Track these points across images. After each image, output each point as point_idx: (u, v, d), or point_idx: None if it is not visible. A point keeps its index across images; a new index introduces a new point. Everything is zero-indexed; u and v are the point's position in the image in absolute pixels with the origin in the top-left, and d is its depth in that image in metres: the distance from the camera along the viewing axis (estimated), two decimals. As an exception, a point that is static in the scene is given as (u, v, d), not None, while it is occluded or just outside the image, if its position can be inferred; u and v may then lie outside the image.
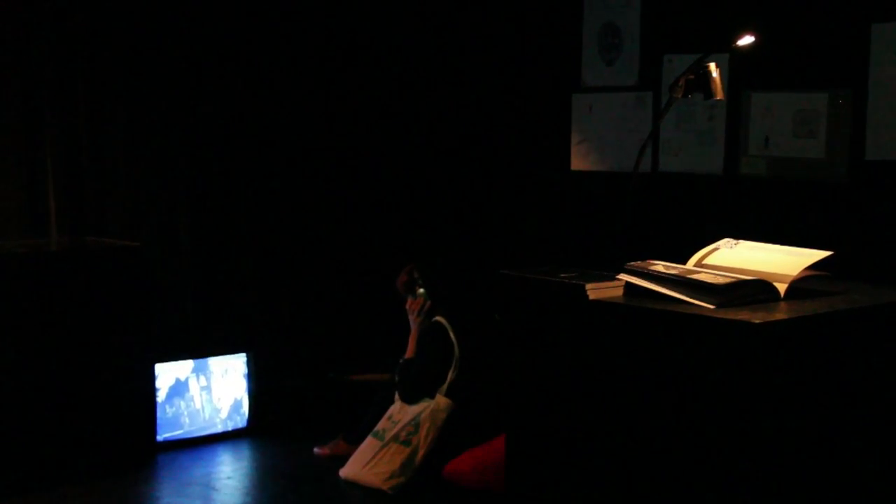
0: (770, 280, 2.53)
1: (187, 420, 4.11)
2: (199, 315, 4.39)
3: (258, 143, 4.51)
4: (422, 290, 3.84)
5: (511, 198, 4.38)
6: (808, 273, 2.59)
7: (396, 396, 3.76)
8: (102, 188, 4.12)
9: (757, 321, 2.22)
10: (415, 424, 3.65)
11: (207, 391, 4.17)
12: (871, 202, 3.29)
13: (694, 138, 3.77)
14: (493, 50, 4.42)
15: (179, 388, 4.09)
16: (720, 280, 2.46)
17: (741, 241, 2.79)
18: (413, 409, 3.69)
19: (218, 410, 4.21)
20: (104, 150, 4.12)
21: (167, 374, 4.04)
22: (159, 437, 3.99)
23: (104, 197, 4.13)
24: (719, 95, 3.00)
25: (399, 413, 3.72)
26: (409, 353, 3.86)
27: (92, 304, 3.69)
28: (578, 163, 4.15)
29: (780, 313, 2.35)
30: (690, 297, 2.42)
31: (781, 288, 2.52)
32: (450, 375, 3.69)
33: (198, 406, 4.13)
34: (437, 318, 3.78)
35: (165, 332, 4.19)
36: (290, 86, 4.57)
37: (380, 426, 3.73)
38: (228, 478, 3.79)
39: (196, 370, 4.14)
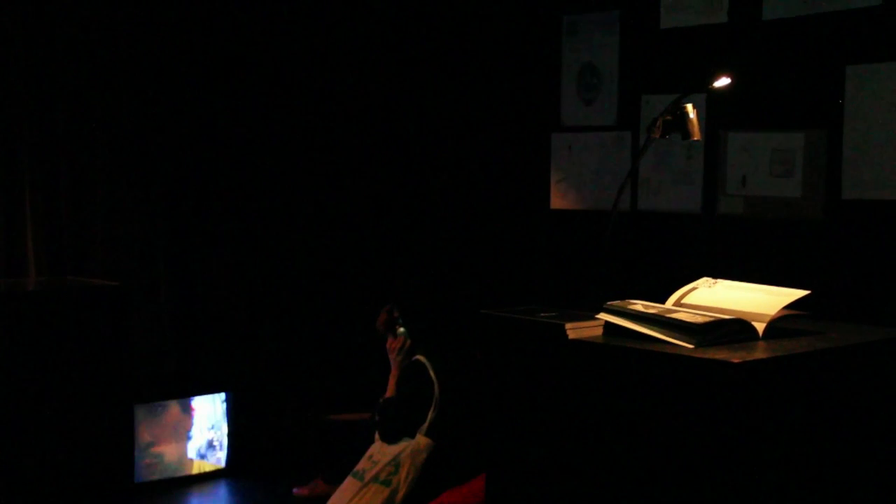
0: (748, 319, 2.54)
1: (165, 461, 4.07)
2: (178, 355, 4.37)
3: (237, 185, 4.52)
4: (402, 330, 3.83)
5: (491, 236, 4.39)
6: (787, 312, 2.60)
7: (376, 436, 3.74)
8: (81, 227, 4.11)
9: (736, 361, 2.23)
10: (395, 464, 3.62)
11: (186, 431, 4.14)
12: (847, 241, 3.31)
13: (672, 177, 3.80)
14: (472, 89, 4.44)
15: (157, 428, 4.05)
16: (699, 319, 2.47)
17: (719, 281, 2.81)
18: (393, 449, 3.66)
19: (196, 450, 4.17)
20: (83, 189, 4.11)
21: (145, 414, 4.01)
22: (137, 479, 3.95)
23: (83, 236, 4.12)
24: (696, 136, 3.03)
25: (379, 453, 3.69)
26: (389, 392, 3.84)
27: (70, 344, 3.67)
28: (558, 201, 4.17)
29: (759, 353, 2.36)
30: (669, 337, 2.43)
31: (760, 327, 2.53)
32: (430, 415, 3.67)
33: (176, 446, 4.10)
34: (418, 357, 3.77)
35: (144, 372, 4.16)
36: (268, 130, 4.58)
37: (359, 466, 3.70)
38: (207, 519, 3.76)
39: (174, 410, 4.11)
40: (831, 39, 3.34)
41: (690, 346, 2.37)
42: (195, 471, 4.14)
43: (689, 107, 3.02)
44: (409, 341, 3.83)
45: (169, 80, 4.31)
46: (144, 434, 4.01)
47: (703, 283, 2.82)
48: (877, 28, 3.24)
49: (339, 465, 3.81)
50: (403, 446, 3.64)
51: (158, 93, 4.29)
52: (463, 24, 4.46)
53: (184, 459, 4.12)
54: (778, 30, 3.47)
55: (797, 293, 2.63)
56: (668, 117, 3.01)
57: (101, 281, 3.96)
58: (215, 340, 4.48)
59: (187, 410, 4.15)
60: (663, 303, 2.77)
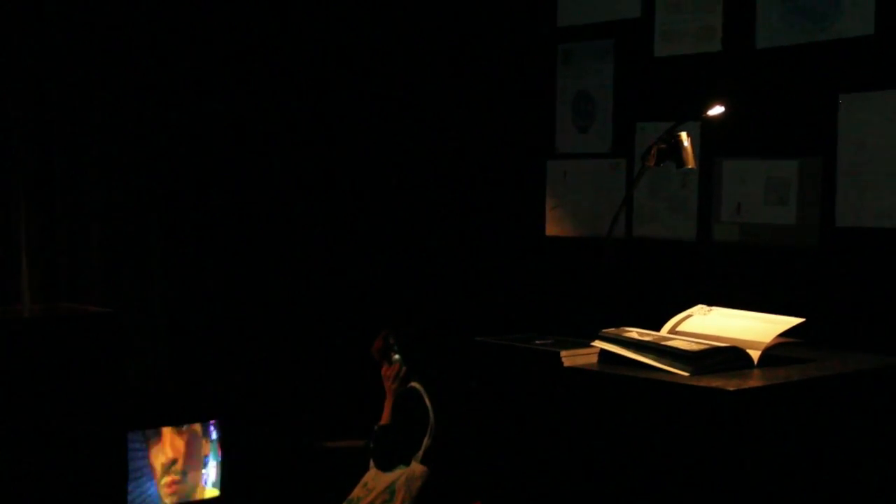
0: (743, 347, 2.55)
1: (158, 488, 4.05)
2: (172, 381, 4.36)
3: (233, 211, 4.52)
4: (397, 357, 3.83)
5: (486, 263, 4.40)
6: (781, 340, 2.61)
7: (371, 463, 3.73)
8: (76, 253, 4.11)
9: (731, 389, 2.23)
10: (390, 492, 3.61)
11: (180, 458, 4.12)
12: (841, 269, 3.32)
13: (667, 205, 3.81)
14: (467, 117, 4.46)
15: (152, 455, 4.04)
16: (694, 347, 2.48)
17: (714, 308, 2.82)
18: (388, 477, 3.65)
19: (189, 478, 4.16)
20: (78, 215, 4.11)
21: (139, 441, 4.00)
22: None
23: (78, 262, 4.11)
24: (691, 164, 3.05)
25: (374, 480, 3.68)
26: (384, 419, 3.83)
27: (64, 371, 3.65)
28: (553, 228, 4.18)
29: (754, 381, 2.36)
30: (665, 365, 2.44)
31: (755, 355, 2.54)
32: (425, 442, 3.66)
33: (170, 473, 4.08)
34: (413, 384, 3.76)
35: (138, 399, 4.15)
36: (262, 155, 4.59)
37: (354, 493, 3.69)
38: (200, 547, 3.73)
39: (168, 437, 4.10)
40: (825, 68, 3.36)
41: (686, 374, 2.38)
42: (188, 499, 4.12)
43: (684, 135, 3.04)
44: (404, 368, 3.83)
45: (163, 107, 4.32)
46: (138, 461, 3.99)
47: (698, 310, 2.83)
48: (870, 57, 3.26)
49: (334, 493, 3.79)
50: (398, 474, 3.63)
51: (153, 119, 4.30)
52: (458, 52, 4.48)
53: (177, 487, 4.10)
54: (771, 58, 3.49)
55: (792, 321, 2.64)
56: (663, 145, 3.03)
57: (96, 308, 3.95)
58: (210, 367, 4.47)
59: (181, 437, 4.13)
60: (658, 330, 2.78)
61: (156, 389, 4.30)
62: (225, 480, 4.23)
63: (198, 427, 4.20)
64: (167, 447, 4.10)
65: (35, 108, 3.99)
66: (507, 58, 4.32)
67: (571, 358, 2.58)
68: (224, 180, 4.49)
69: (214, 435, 4.24)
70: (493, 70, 4.36)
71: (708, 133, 3.60)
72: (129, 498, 3.93)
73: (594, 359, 2.60)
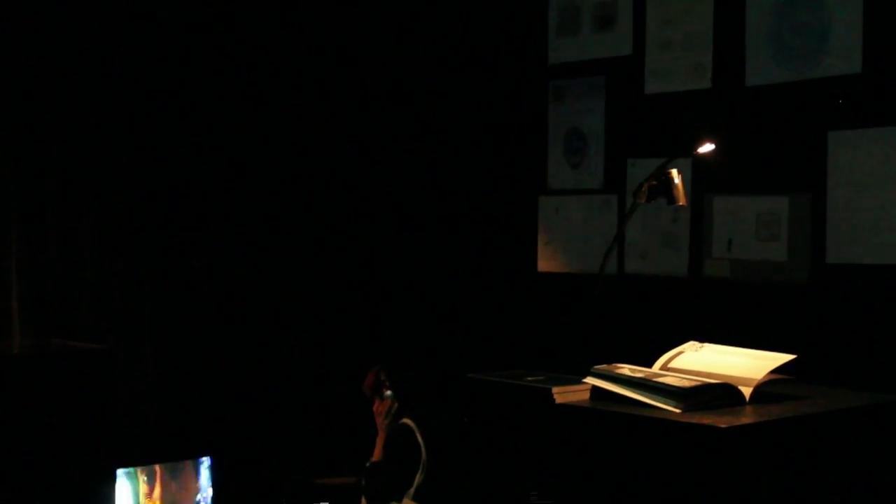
0: (735, 384, 2.55)
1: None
2: (163, 418, 4.34)
3: (223, 246, 4.52)
4: (389, 393, 3.82)
5: (478, 299, 4.40)
6: (773, 377, 2.61)
7: (363, 500, 3.71)
8: (67, 290, 4.10)
9: (723, 426, 2.23)
10: (382, 529, 3.59)
11: (170, 495, 4.10)
12: (832, 305, 3.33)
13: (659, 240, 3.82)
14: (459, 153, 4.48)
15: (142, 493, 4.01)
16: (685, 384, 2.48)
17: (706, 345, 2.82)
18: (380, 514, 3.63)
19: (181, 515, 4.13)
20: (69, 251, 4.11)
21: (128, 478, 3.97)
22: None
23: (69, 297, 4.11)
24: (682, 201, 3.06)
25: (366, 517, 3.66)
26: (376, 456, 3.82)
27: (54, 408, 3.63)
28: (545, 264, 4.19)
29: (746, 417, 2.36)
30: (656, 401, 2.44)
31: (746, 392, 2.54)
32: (417, 479, 3.65)
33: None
34: (405, 420, 3.75)
35: (129, 435, 4.12)
36: (253, 194, 4.60)
37: (346, 531, 3.67)
38: (190, 586, 3.70)
39: (158, 474, 4.07)
40: (813, 105, 3.39)
41: (677, 411, 2.38)
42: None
43: (674, 172, 3.06)
44: (396, 404, 3.82)
45: (155, 143, 4.33)
46: (128, 498, 3.97)
47: (690, 347, 2.83)
48: (858, 94, 3.29)
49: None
50: (390, 511, 3.61)
51: (145, 155, 4.31)
52: (450, 88, 4.51)
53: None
54: (761, 95, 3.52)
55: (783, 357, 2.64)
56: (654, 182, 3.04)
57: (87, 344, 3.94)
58: (201, 403, 4.45)
59: (172, 474, 4.11)
60: (650, 366, 2.78)
61: (146, 426, 4.28)
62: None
63: (189, 464, 4.18)
64: (158, 485, 4.08)
65: (26, 142, 3.99)
66: (498, 94, 4.35)
67: (563, 394, 2.58)
68: (216, 218, 4.50)
69: (206, 472, 4.21)
70: (486, 107, 4.39)
71: (699, 169, 3.62)
72: (119, 536, 3.90)
73: (586, 395, 2.60)
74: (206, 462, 4.21)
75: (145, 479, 4.04)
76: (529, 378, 2.70)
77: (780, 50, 3.47)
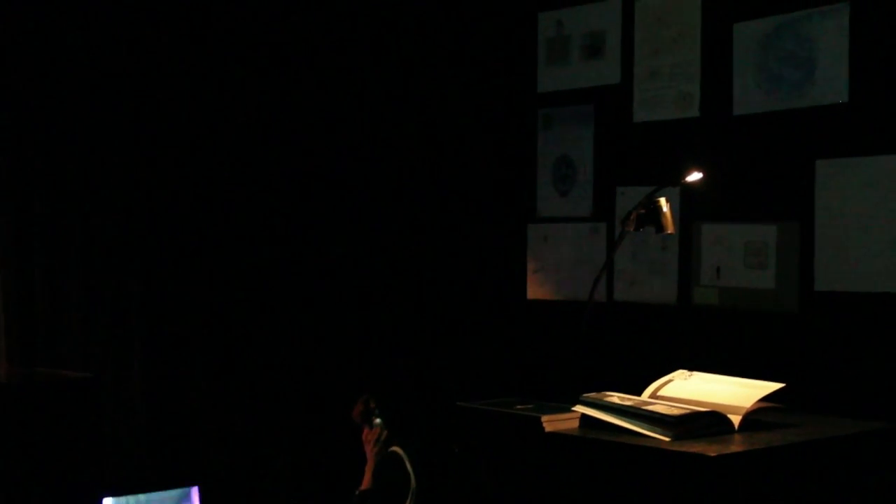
0: (724, 412, 2.56)
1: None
2: (151, 446, 4.31)
3: (211, 274, 4.51)
4: (378, 421, 3.81)
5: (467, 327, 4.40)
6: (762, 405, 2.62)
7: (352, 529, 3.70)
8: (55, 318, 4.08)
9: (712, 454, 2.24)
10: (370, 559, 3.57)
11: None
12: (821, 333, 3.34)
13: (647, 268, 3.83)
14: (448, 181, 4.49)
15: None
16: (675, 412, 2.48)
17: (695, 373, 2.83)
18: (368, 543, 3.61)
19: (168, 545, 4.10)
20: (57, 276, 4.10)
21: (116, 507, 3.95)
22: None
23: (56, 327, 4.09)
24: (670, 230, 3.08)
25: (354, 547, 3.64)
26: (365, 484, 3.80)
27: (40, 436, 3.61)
28: (534, 292, 4.19)
29: (735, 446, 2.37)
30: (646, 430, 2.44)
31: (735, 420, 2.55)
32: (406, 507, 3.63)
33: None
34: (394, 448, 3.73)
35: (116, 465, 4.10)
36: (241, 217, 4.58)
37: (334, 561, 3.64)
38: None
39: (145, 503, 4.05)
40: (801, 134, 3.42)
41: (667, 439, 2.38)
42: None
43: (663, 200, 3.08)
44: (385, 432, 3.80)
45: (141, 167, 4.33)
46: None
47: (679, 375, 2.84)
48: (845, 124, 3.32)
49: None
50: (379, 540, 3.59)
51: (135, 183, 4.31)
52: (438, 116, 4.52)
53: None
54: (748, 124, 3.55)
55: (772, 386, 2.65)
56: (642, 211, 3.06)
57: (74, 372, 3.92)
58: (189, 431, 4.43)
59: None
60: (639, 395, 2.78)
61: (133, 455, 4.25)
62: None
63: (177, 493, 4.15)
64: (145, 513, 4.05)
65: (12, 167, 3.99)
66: (488, 122, 4.37)
67: (553, 423, 2.58)
68: (203, 246, 4.49)
69: (195, 502, 4.18)
70: (475, 134, 4.40)
71: (687, 197, 3.64)
72: (105, 566, 3.87)
73: (575, 424, 2.60)
74: (193, 491, 4.18)
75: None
76: (519, 406, 2.70)
77: (768, 79, 3.50)
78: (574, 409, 2.62)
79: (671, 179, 3.27)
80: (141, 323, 4.32)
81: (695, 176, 3.19)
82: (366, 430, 3.86)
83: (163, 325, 4.39)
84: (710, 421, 2.50)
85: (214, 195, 4.54)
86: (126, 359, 4.27)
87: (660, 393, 2.77)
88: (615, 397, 2.63)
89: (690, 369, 2.86)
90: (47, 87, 4.09)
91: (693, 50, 3.70)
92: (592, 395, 2.64)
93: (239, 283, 4.60)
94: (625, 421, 2.49)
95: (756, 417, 2.60)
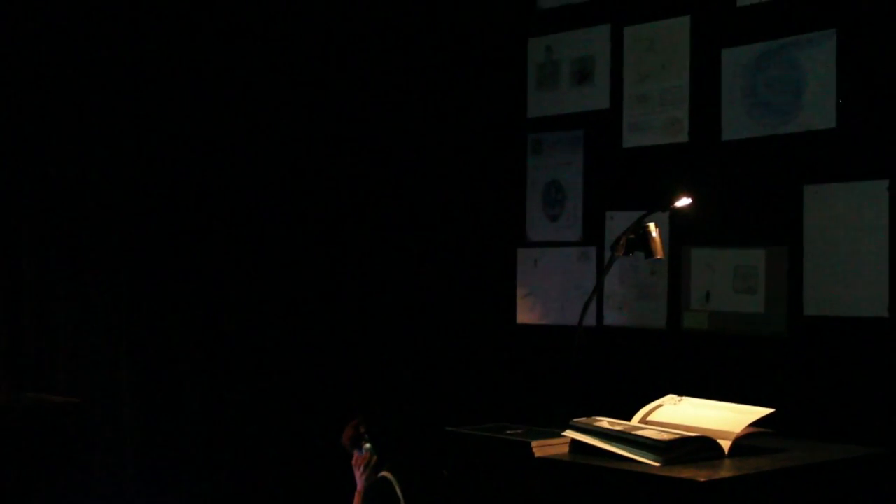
0: (714, 437, 2.55)
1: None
2: (139, 472, 4.29)
3: (198, 302, 4.50)
4: (368, 446, 3.80)
5: (457, 351, 4.40)
6: (752, 430, 2.62)
7: (341, 556, 3.68)
8: (43, 343, 4.07)
9: (702, 479, 2.23)
10: (360, 585, 3.55)
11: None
12: (810, 357, 3.35)
13: (637, 293, 3.84)
14: (439, 206, 4.50)
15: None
16: (665, 437, 2.48)
17: (685, 398, 2.83)
18: (358, 569, 3.60)
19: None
20: (45, 302, 4.09)
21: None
22: None
23: (45, 350, 4.07)
24: (659, 255, 3.09)
25: (343, 573, 3.62)
26: (355, 509, 3.79)
27: (29, 461, 3.59)
28: (524, 316, 4.19)
29: (725, 471, 2.37)
30: (635, 455, 2.44)
31: (725, 445, 2.55)
32: (396, 533, 3.62)
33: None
34: (384, 473, 3.73)
35: (104, 490, 4.07)
36: (230, 248, 4.58)
37: (323, 587, 3.62)
38: None
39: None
40: (789, 159, 3.44)
41: (657, 465, 2.38)
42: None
43: (652, 226, 3.09)
44: (375, 457, 3.79)
45: (129, 196, 4.33)
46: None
47: (669, 400, 2.84)
48: (833, 149, 3.34)
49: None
50: (369, 566, 3.58)
51: (123, 204, 4.30)
52: (430, 140, 4.54)
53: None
54: (737, 150, 3.57)
55: (761, 411, 2.65)
56: (632, 236, 3.07)
57: (62, 397, 3.90)
58: (178, 457, 4.40)
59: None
60: (629, 419, 2.78)
61: (123, 481, 4.23)
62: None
63: (164, 518, 4.13)
64: (132, 539, 4.03)
65: (1, 198, 3.99)
66: (478, 147, 4.38)
67: (542, 448, 2.58)
68: (189, 273, 4.48)
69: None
70: (465, 159, 4.41)
71: (676, 222, 3.65)
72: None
73: (565, 449, 2.59)
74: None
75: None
76: (509, 431, 2.70)
77: (756, 105, 3.52)
78: (564, 434, 2.62)
79: (660, 204, 3.28)
80: (129, 348, 4.31)
81: (684, 201, 3.20)
82: (356, 455, 3.85)
83: (151, 351, 4.37)
84: (699, 446, 2.50)
85: (201, 223, 4.53)
86: (114, 384, 4.26)
87: (650, 418, 2.77)
88: (605, 422, 2.63)
89: (680, 394, 2.86)
90: (34, 121, 4.09)
91: (682, 75, 3.73)
92: (582, 419, 2.63)
93: (228, 310, 4.59)
94: (615, 446, 2.49)
95: (746, 442, 2.59)
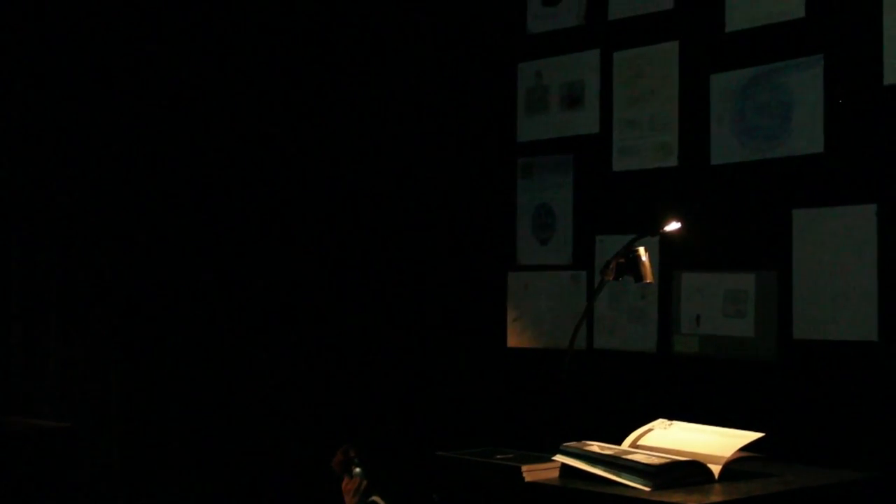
0: (704, 462, 2.55)
1: None
2: (128, 497, 4.26)
3: (187, 326, 4.49)
4: (358, 470, 3.79)
5: (448, 376, 4.39)
6: (742, 454, 2.62)
7: (331, 581, 3.66)
8: (32, 366, 4.06)
9: (692, 504, 2.23)
10: None
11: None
12: (800, 381, 3.35)
13: (627, 316, 3.84)
14: (429, 230, 4.50)
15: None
16: (655, 461, 2.48)
17: (675, 422, 2.83)
18: None
19: None
20: (35, 326, 4.08)
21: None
22: None
23: (33, 375, 4.06)
24: (649, 279, 3.09)
25: None
26: (345, 535, 3.77)
27: (17, 485, 3.57)
28: (515, 340, 4.19)
29: (715, 496, 2.36)
30: (626, 479, 2.43)
31: (716, 469, 2.55)
32: (386, 558, 3.60)
33: None
34: (374, 498, 3.72)
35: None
36: (219, 274, 4.58)
37: None
38: None
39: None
40: (777, 184, 3.45)
41: (647, 489, 2.37)
42: None
43: (642, 250, 3.09)
44: (365, 482, 3.78)
45: (116, 220, 4.32)
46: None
47: (659, 424, 2.84)
48: (821, 173, 3.35)
49: None
50: (358, 592, 3.56)
51: (111, 226, 4.30)
52: (420, 164, 4.54)
53: None
54: (726, 174, 3.58)
55: (751, 435, 2.65)
56: (622, 260, 3.07)
57: (50, 422, 3.88)
58: (166, 482, 4.39)
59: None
60: (620, 443, 2.78)
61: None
62: None
63: (153, 544, 4.10)
64: (121, 565, 4.00)
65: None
66: (468, 171, 4.39)
67: (532, 473, 2.57)
68: (179, 299, 4.47)
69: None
70: (456, 183, 4.42)
71: (666, 246, 3.66)
72: None
73: (555, 473, 2.59)
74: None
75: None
76: (499, 456, 2.69)
77: (744, 130, 3.54)
78: (554, 458, 2.61)
79: (650, 228, 3.29)
80: (119, 373, 4.29)
81: (673, 225, 3.21)
82: (346, 480, 3.84)
83: (140, 376, 4.36)
84: (690, 471, 2.50)
85: (187, 248, 4.53)
86: (103, 409, 4.24)
87: (640, 442, 2.77)
88: (595, 446, 2.63)
89: (670, 418, 2.86)
90: (24, 140, 4.09)
91: (671, 100, 3.74)
92: (573, 444, 2.63)
93: (216, 334, 4.59)
94: (605, 471, 2.49)
95: (736, 467, 2.59)
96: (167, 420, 4.43)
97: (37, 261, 4.10)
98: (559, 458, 2.60)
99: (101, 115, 4.29)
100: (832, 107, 3.33)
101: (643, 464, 2.44)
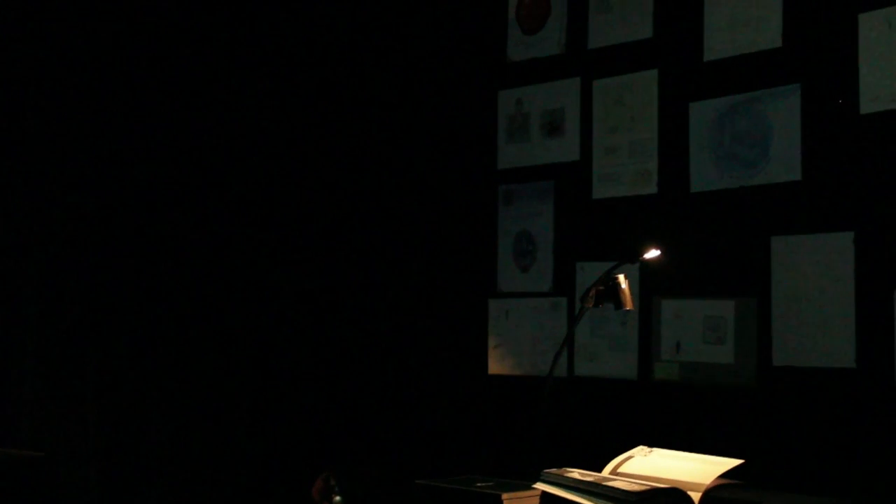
0: (684, 489, 2.55)
1: None
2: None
3: (165, 354, 4.46)
4: (338, 499, 3.77)
5: (428, 403, 4.38)
6: (722, 481, 2.62)
7: None
8: (8, 396, 4.02)
9: (672, 532, 2.22)
10: None
11: None
12: (779, 408, 3.36)
13: (608, 343, 3.85)
14: (408, 257, 4.50)
15: None
16: (636, 488, 2.48)
17: (655, 449, 2.83)
18: None
19: None
20: (10, 355, 4.04)
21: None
22: None
23: (9, 405, 4.02)
24: (629, 306, 3.11)
25: None
26: (324, 564, 3.74)
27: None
28: (495, 367, 4.19)
29: (695, 523, 2.36)
30: (606, 507, 2.43)
31: (696, 497, 2.55)
32: (366, 588, 3.58)
33: None
34: (353, 527, 3.70)
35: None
36: (195, 299, 4.55)
37: None
38: None
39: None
40: (756, 211, 3.47)
41: (627, 517, 2.37)
42: None
43: (622, 277, 3.11)
44: (344, 510, 3.76)
45: (97, 242, 4.30)
46: None
47: (639, 451, 2.84)
48: (799, 201, 3.38)
49: None
50: None
51: (89, 257, 4.28)
52: (401, 192, 4.55)
53: None
54: (705, 201, 3.60)
55: (731, 462, 2.65)
56: (601, 287, 3.09)
57: (27, 451, 3.84)
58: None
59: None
60: (600, 470, 2.77)
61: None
62: None
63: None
64: None
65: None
66: (449, 198, 4.40)
67: (513, 500, 2.57)
68: (157, 326, 4.45)
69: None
70: (436, 211, 4.43)
71: (646, 273, 3.67)
72: None
73: (536, 501, 2.58)
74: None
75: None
76: (479, 484, 2.68)
77: (723, 157, 3.57)
78: (534, 486, 2.61)
79: (630, 256, 3.30)
80: (95, 402, 4.26)
81: (653, 253, 3.23)
82: (325, 508, 3.81)
83: (117, 405, 4.32)
84: (670, 498, 2.50)
85: (164, 273, 4.50)
86: (80, 438, 4.20)
87: (620, 469, 2.77)
88: (576, 473, 2.62)
89: (651, 445, 2.86)
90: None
91: (650, 128, 3.77)
92: (553, 471, 2.63)
93: (194, 361, 4.56)
94: (585, 498, 2.48)
95: (716, 494, 2.59)
96: (145, 450, 4.39)
97: (12, 290, 4.07)
98: (539, 485, 2.60)
99: (86, 118, 4.26)
100: (810, 135, 3.36)
101: (624, 491, 2.44)
